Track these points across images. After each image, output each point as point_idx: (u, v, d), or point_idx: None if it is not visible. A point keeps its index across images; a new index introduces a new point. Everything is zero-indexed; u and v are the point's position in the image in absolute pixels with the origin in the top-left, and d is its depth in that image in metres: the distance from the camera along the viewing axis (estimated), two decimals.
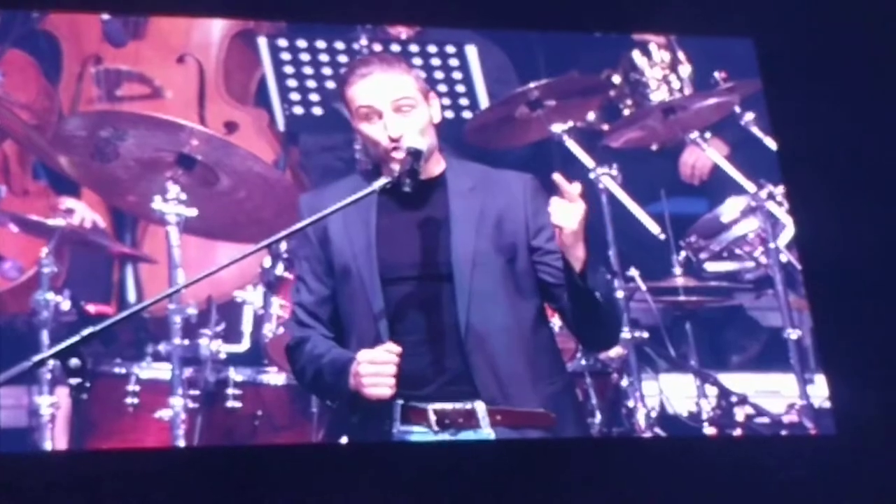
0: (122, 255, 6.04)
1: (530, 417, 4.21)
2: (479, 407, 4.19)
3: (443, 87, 5.96)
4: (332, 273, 4.27)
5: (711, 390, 5.81)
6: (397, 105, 4.21)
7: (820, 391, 5.61)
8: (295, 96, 5.98)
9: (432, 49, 6.04)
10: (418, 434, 4.21)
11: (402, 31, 6.24)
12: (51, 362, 4.01)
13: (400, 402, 4.19)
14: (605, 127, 6.31)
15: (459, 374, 4.20)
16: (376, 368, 4.11)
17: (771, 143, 5.95)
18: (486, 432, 4.19)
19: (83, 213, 5.83)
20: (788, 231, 5.88)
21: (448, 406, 4.20)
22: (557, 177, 4.06)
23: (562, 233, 4.05)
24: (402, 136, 4.19)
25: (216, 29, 6.41)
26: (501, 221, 4.25)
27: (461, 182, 4.30)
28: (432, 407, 4.20)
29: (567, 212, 4.04)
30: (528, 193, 4.27)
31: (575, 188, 4.04)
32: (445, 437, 4.19)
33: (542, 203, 4.26)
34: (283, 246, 5.60)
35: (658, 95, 6.41)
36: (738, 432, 5.70)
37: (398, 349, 4.13)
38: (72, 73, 6.27)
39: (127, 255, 6.06)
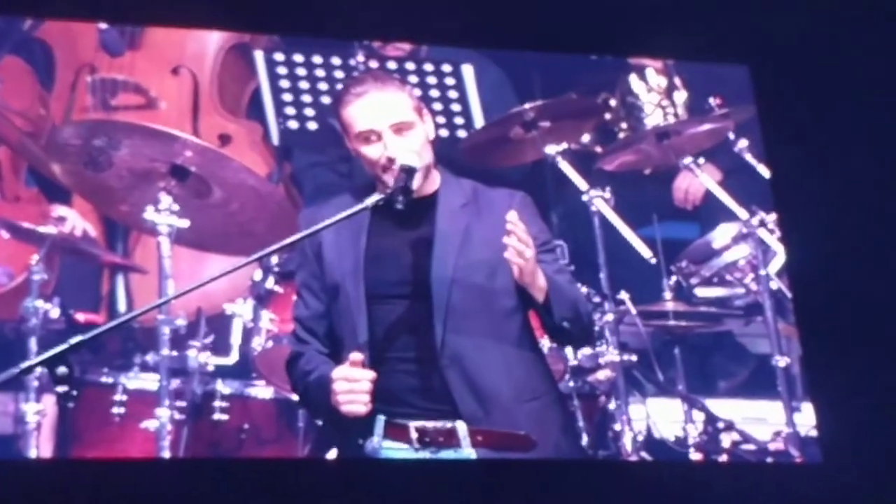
0: (112, 265, 6.04)
1: (511, 439, 4.22)
2: (461, 426, 4.20)
3: (438, 106, 5.96)
4: (327, 289, 4.28)
5: (698, 415, 5.80)
6: (397, 127, 4.24)
7: (807, 419, 5.60)
8: (290, 110, 5.98)
9: (428, 67, 6.05)
10: (399, 451, 4.22)
11: (399, 49, 6.24)
12: (38, 370, 4.00)
13: (383, 417, 4.20)
14: (599, 149, 6.32)
15: (441, 393, 4.21)
16: (350, 385, 4.13)
17: (764, 171, 5.95)
18: (467, 452, 4.20)
19: (74, 221, 5.81)
20: (779, 258, 5.88)
21: (429, 424, 4.21)
22: (511, 215, 4.11)
23: (521, 272, 4.10)
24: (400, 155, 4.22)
25: (211, 41, 6.41)
26: (487, 238, 4.26)
27: (452, 200, 4.32)
28: (414, 424, 4.21)
29: (520, 250, 4.08)
30: (514, 208, 4.27)
31: (520, 226, 4.09)
32: (426, 454, 4.20)
33: (528, 219, 4.27)
34: (275, 259, 5.61)
35: (653, 120, 6.41)
36: (724, 458, 5.69)
37: (372, 374, 4.14)
38: (65, 81, 6.27)
39: (117, 265, 6.05)
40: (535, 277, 4.14)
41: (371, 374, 4.13)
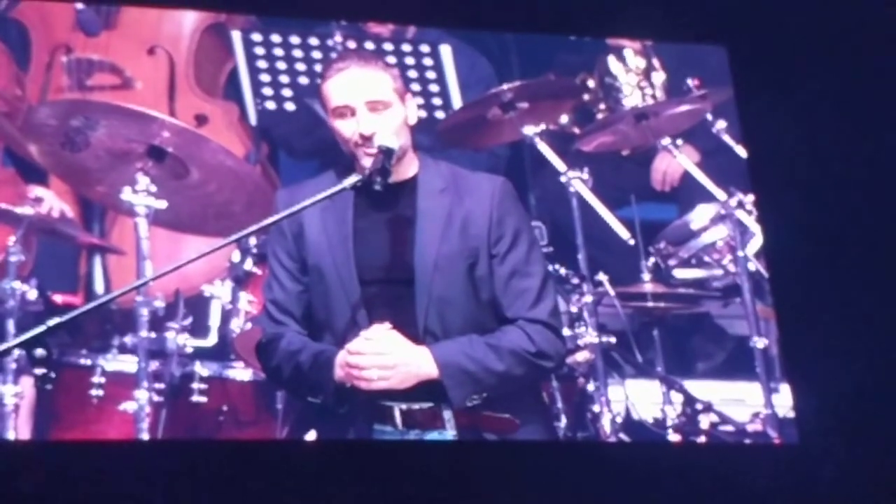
0: (90, 246, 6.01)
1: (495, 422, 4.24)
2: (445, 409, 4.20)
3: (416, 87, 5.95)
4: (306, 270, 4.27)
5: (677, 397, 5.81)
6: (372, 104, 4.22)
7: (784, 401, 5.62)
8: (268, 91, 5.97)
9: (406, 48, 6.04)
10: (384, 433, 4.22)
11: (377, 29, 6.23)
12: (16, 352, 3.98)
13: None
14: (577, 130, 6.32)
15: None
16: (357, 359, 4.13)
17: (742, 152, 5.96)
18: (451, 434, 4.21)
19: (51, 201, 5.78)
20: (757, 240, 5.89)
21: (414, 406, 4.21)
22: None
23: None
24: (375, 133, 4.20)
25: (187, 21, 6.38)
26: (467, 225, 4.25)
27: (432, 184, 4.30)
28: (399, 406, 4.20)
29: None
30: (496, 198, 4.27)
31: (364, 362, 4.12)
32: (410, 436, 4.19)
33: (510, 208, 4.27)
34: (253, 241, 5.59)
35: (631, 101, 6.41)
36: (702, 439, 5.70)
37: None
38: (40, 61, 6.23)
39: (95, 246, 6.02)
40: (420, 375, 4.16)
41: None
